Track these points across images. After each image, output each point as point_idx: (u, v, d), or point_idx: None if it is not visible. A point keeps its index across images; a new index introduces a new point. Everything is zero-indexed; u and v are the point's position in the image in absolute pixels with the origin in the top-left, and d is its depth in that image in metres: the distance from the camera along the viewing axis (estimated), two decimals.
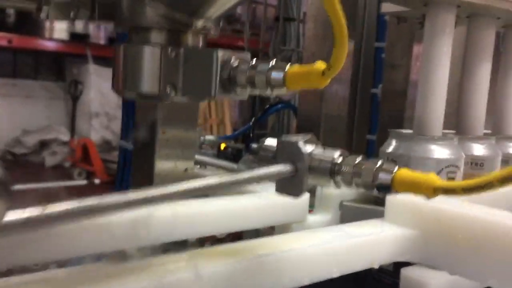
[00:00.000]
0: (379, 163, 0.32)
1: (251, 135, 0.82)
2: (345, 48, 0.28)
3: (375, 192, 0.32)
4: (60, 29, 4.31)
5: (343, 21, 0.27)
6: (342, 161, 0.33)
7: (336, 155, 0.34)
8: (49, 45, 4.29)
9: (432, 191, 0.29)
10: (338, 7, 0.26)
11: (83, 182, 3.43)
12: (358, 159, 0.33)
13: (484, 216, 0.42)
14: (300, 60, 0.84)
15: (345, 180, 0.33)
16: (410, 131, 0.63)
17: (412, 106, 0.74)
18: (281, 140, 0.35)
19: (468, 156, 0.63)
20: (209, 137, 0.84)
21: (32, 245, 0.37)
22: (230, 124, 3.70)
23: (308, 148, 0.34)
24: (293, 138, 0.35)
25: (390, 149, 0.59)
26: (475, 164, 0.64)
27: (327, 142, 0.80)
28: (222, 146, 0.77)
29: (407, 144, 0.58)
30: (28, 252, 0.38)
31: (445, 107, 0.70)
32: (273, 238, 0.42)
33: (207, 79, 0.33)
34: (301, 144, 0.34)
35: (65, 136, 4.46)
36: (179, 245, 0.54)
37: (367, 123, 0.97)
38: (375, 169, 0.32)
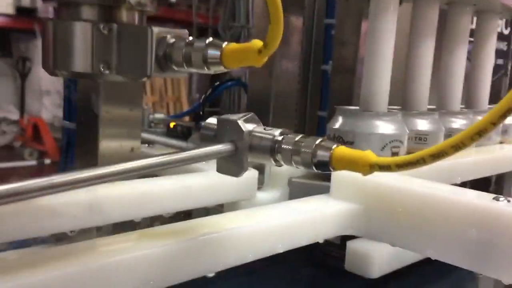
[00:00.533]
0: (318, 141, 0.32)
1: (201, 113, 0.81)
2: (280, 27, 0.27)
3: (313, 169, 0.32)
4: (5, 3, 4.10)
5: (279, 1, 0.26)
6: (282, 139, 0.33)
7: (277, 133, 0.34)
8: None
9: (368, 168, 0.30)
10: None
11: (33, 162, 3.33)
12: (298, 137, 0.33)
13: (422, 189, 0.43)
14: (250, 37, 0.83)
15: (285, 158, 0.33)
16: (356, 107, 0.64)
17: (360, 83, 0.75)
18: (221, 119, 0.34)
19: (412, 131, 0.65)
20: (158, 116, 0.82)
21: None
22: (187, 101, 3.66)
23: (249, 127, 0.34)
24: (233, 116, 0.34)
25: (336, 125, 0.60)
26: (419, 139, 0.66)
27: (277, 119, 0.80)
28: (172, 124, 0.76)
29: (353, 120, 0.59)
30: None
31: (395, 84, 0.72)
32: (219, 216, 0.42)
33: (142, 57, 0.32)
34: (240, 122, 0.33)
35: (14, 115, 4.29)
36: (128, 226, 0.53)
37: (317, 100, 0.98)
38: (313, 147, 0.32)
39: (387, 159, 0.29)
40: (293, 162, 0.33)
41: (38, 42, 4.36)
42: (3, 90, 4.50)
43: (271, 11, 0.27)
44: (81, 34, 0.33)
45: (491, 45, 0.81)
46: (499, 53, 1.16)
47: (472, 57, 0.83)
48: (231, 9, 0.82)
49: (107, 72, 0.33)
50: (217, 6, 0.93)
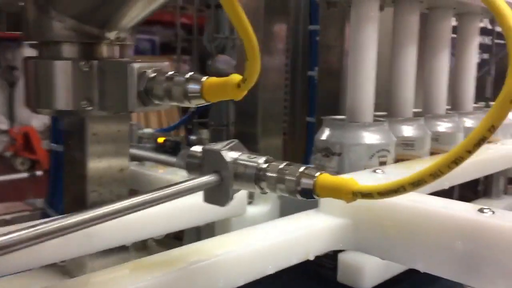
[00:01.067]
0: (302, 168, 0.33)
1: (189, 127, 0.81)
2: (257, 63, 0.28)
3: (298, 197, 0.32)
4: None
5: (254, 37, 0.27)
6: (267, 167, 0.34)
7: (261, 161, 0.34)
8: None
9: (351, 196, 0.30)
10: (248, 26, 0.26)
11: (24, 175, 3.31)
12: (282, 164, 0.33)
13: (410, 203, 0.44)
14: (234, 48, 0.83)
15: (270, 186, 0.33)
16: (343, 117, 0.64)
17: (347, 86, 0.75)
18: (206, 149, 0.35)
19: (399, 138, 0.65)
20: (147, 131, 0.82)
21: None
22: (178, 110, 3.65)
23: (233, 155, 0.34)
24: (217, 145, 0.35)
25: (323, 137, 0.60)
26: (406, 145, 0.66)
27: (266, 127, 0.81)
28: (160, 140, 0.76)
29: (340, 131, 0.59)
30: None
31: (382, 89, 0.72)
32: (209, 241, 0.42)
33: (123, 92, 0.32)
34: (224, 152, 0.34)
35: (4, 125, 4.27)
36: (120, 251, 0.54)
37: (306, 106, 0.98)
38: (297, 175, 0.32)
39: (369, 187, 0.30)
40: (277, 190, 0.33)
41: (26, 51, 4.33)
42: None
43: (247, 48, 0.27)
44: (62, 72, 0.33)
45: (474, 46, 0.82)
46: (484, 48, 1.17)
47: (456, 58, 0.84)
48: (215, 21, 0.82)
49: (89, 108, 0.33)
50: (201, 5, 0.92)
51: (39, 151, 3.74)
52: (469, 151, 0.26)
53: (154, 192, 0.31)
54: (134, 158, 0.72)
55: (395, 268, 0.54)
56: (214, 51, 0.83)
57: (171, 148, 0.74)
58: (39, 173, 3.40)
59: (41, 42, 0.34)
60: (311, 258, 0.45)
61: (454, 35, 0.83)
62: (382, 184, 0.29)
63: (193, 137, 0.78)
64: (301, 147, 0.98)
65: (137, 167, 0.70)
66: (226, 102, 0.91)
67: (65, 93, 0.33)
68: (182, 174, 0.64)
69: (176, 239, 0.69)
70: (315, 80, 0.92)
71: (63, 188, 0.60)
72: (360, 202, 0.46)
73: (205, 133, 0.81)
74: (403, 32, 0.69)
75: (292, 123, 1.03)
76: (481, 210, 0.41)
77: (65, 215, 0.26)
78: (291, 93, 0.98)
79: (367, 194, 0.29)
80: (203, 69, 0.92)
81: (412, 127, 0.67)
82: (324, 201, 0.50)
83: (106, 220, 0.28)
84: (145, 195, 0.30)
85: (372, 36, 0.62)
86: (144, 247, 0.67)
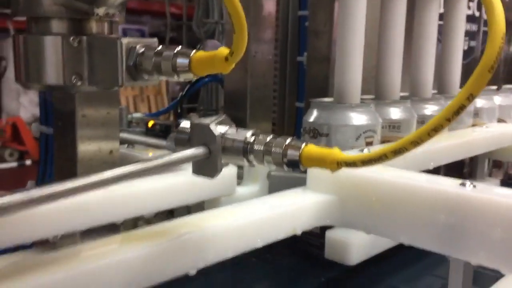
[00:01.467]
0: (288, 140, 0.33)
1: (178, 110, 0.82)
2: (244, 36, 0.28)
3: (285, 168, 0.33)
4: None
5: (240, 9, 0.27)
6: (254, 140, 0.35)
7: (249, 134, 0.35)
8: None
9: (335, 165, 0.31)
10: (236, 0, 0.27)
11: (13, 164, 3.29)
12: (269, 137, 0.34)
13: (394, 179, 0.45)
14: (224, 32, 0.83)
15: (257, 159, 0.34)
16: (330, 99, 0.65)
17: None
18: (194, 124, 0.35)
19: (386, 120, 0.66)
20: (137, 115, 0.83)
21: None
22: (166, 94, 3.64)
23: (221, 129, 0.35)
24: (206, 120, 0.36)
25: (311, 119, 0.61)
26: (393, 127, 0.68)
27: (255, 112, 0.81)
28: (150, 123, 0.76)
29: (327, 113, 0.60)
30: None
31: (369, 75, 0.73)
32: (198, 215, 0.43)
33: (113, 67, 0.33)
34: (212, 126, 0.35)
35: None
36: (112, 228, 0.54)
37: (296, 90, 0.99)
38: (283, 147, 0.33)
39: (353, 156, 0.31)
40: (265, 162, 0.34)
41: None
42: None
43: (234, 21, 0.28)
44: (52, 48, 0.33)
45: (460, 29, 0.83)
46: (471, 35, 1.18)
47: (442, 43, 0.85)
48: (204, 6, 0.82)
49: (79, 83, 0.33)
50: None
51: (27, 141, 3.72)
52: (449, 119, 0.27)
53: (144, 162, 0.32)
54: (124, 141, 0.72)
55: (381, 244, 0.56)
56: (203, 36, 0.84)
57: (161, 132, 0.75)
58: (28, 162, 3.39)
59: (31, 17, 0.34)
60: (299, 233, 0.46)
61: (441, 22, 0.84)
62: (365, 154, 0.30)
63: (182, 121, 0.79)
64: (290, 132, 0.99)
65: (127, 150, 0.71)
66: (215, 87, 0.92)
67: (55, 68, 0.33)
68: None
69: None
70: (304, 66, 0.93)
71: (54, 170, 0.61)
72: (346, 179, 0.48)
73: (194, 117, 0.81)
74: (390, 16, 0.70)
75: (282, 109, 1.04)
76: (463, 184, 0.42)
77: (56, 182, 0.27)
78: (280, 78, 0.99)
79: (351, 163, 0.30)
80: None
81: (399, 109, 0.68)
82: (311, 180, 0.51)
83: (96, 188, 0.29)
84: (135, 165, 0.31)
85: (360, 16, 0.62)
86: (134, 227, 0.68)
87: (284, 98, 1.05)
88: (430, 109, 0.74)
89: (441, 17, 0.84)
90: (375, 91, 0.73)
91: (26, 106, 4.38)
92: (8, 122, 4.02)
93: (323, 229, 0.56)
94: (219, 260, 0.40)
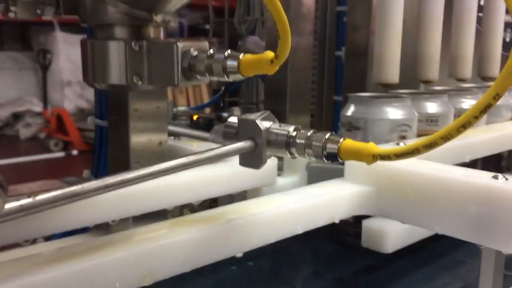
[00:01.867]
0: (327, 135, 0.36)
1: (221, 104, 0.86)
2: (288, 41, 0.31)
3: (324, 160, 0.36)
4: None
5: (285, 18, 0.30)
6: (296, 134, 0.38)
7: (291, 129, 0.38)
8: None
9: (371, 158, 0.34)
10: (280, 8, 0.30)
11: (61, 154, 3.43)
12: (310, 132, 0.37)
13: (428, 171, 0.47)
14: (264, 29, 0.86)
15: (299, 151, 0.37)
16: (367, 94, 0.68)
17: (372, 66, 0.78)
18: (241, 119, 0.39)
19: (423, 114, 0.68)
20: (182, 108, 0.87)
21: (24, 222, 0.41)
22: (205, 86, 3.71)
23: (266, 124, 0.39)
24: (252, 116, 0.39)
25: (349, 113, 0.64)
26: (430, 121, 0.69)
27: (294, 106, 0.84)
28: (195, 116, 0.80)
29: (364, 107, 0.63)
30: (20, 229, 0.42)
31: (408, 69, 0.75)
32: (244, 203, 0.46)
33: (170, 68, 0.37)
34: (258, 121, 0.38)
35: (38, 107, 4.41)
36: (159, 215, 0.59)
37: (334, 84, 1.02)
38: (323, 141, 0.36)
39: (387, 150, 0.33)
40: (306, 155, 0.37)
41: (57, 34, 4.44)
42: (26, 83, 4.60)
43: (279, 27, 0.31)
44: (116, 51, 0.37)
45: (500, 22, 0.83)
46: None
47: (482, 34, 0.85)
48: (245, 3, 0.85)
49: (139, 83, 0.37)
50: None
51: (71, 132, 3.86)
52: (476, 117, 0.29)
53: (196, 155, 0.35)
54: (170, 133, 0.77)
55: (416, 234, 0.58)
56: (244, 33, 0.87)
57: (205, 124, 0.79)
58: (74, 152, 3.52)
59: (97, 25, 0.38)
60: (337, 221, 0.49)
61: (481, 14, 0.85)
62: (399, 147, 0.33)
63: (225, 114, 0.83)
64: (328, 125, 1.01)
65: (173, 142, 0.75)
66: (256, 81, 0.95)
67: (118, 69, 0.37)
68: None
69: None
70: (342, 60, 0.95)
71: (108, 160, 0.66)
72: (382, 171, 0.50)
73: (236, 110, 0.85)
74: (429, 6, 0.71)
75: (320, 102, 1.06)
76: (495, 177, 0.44)
77: (117, 173, 0.31)
78: (318, 72, 1.01)
79: (385, 156, 0.33)
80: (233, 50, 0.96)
81: (436, 103, 0.70)
82: (349, 172, 0.54)
83: (159, 176, 0.33)
84: (190, 156, 0.35)
85: (398, 11, 0.64)
86: (180, 215, 0.73)
87: (322, 91, 1.08)
88: (467, 103, 0.75)
89: (481, 9, 0.84)
90: (414, 85, 0.74)
91: (70, 97, 4.54)
92: (53, 113, 4.18)
93: (357, 218, 0.59)
94: (263, 244, 0.43)
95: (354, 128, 0.62)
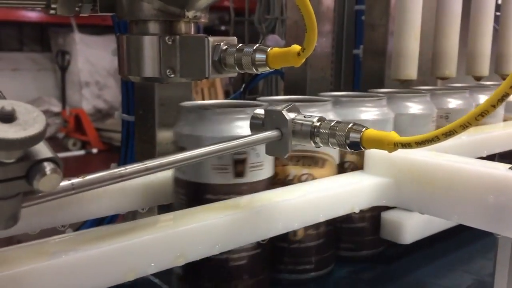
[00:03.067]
0: (350, 125, 0.38)
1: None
2: (315, 34, 0.33)
3: (347, 149, 0.38)
4: None
5: (312, 11, 0.32)
6: (320, 124, 0.40)
7: (315, 119, 0.40)
8: (32, 16, 4.23)
9: (392, 146, 0.36)
10: (308, 3, 0.32)
11: (81, 152, 3.49)
12: (333, 122, 0.39)
13: (446, 163, 0.49)
14: (283, 28, 0.88)
15: (323, 141, 0.39)
16: (387, 90, 0.69)
17: (390, 64, 0.80)
18: (268, 110, 0.41)
19: (442, 109, 0.69)
20: None
21: (62, 207, 0.44)
22: (221, 86, 3.74)
23: (291, 115, 0.41)
24: (278, 107, 0.41)
25: None
26: (447, 117, 0.70)
27: None
28: None
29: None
30: (57, 214, 0.44)
31: (426, 67, 0.76)
32: (266, 192, 0.48)
33: (201, 62, 0.39)
34: (284, 112, 0.40)
35: (56, 107, 4.49)
36: None
37: (352, 82, 1.03)
38: (346, 130, 0.38)
39: (408, 138, 0.35)
40: (329, 144, 0.39)
41: (76, 36, 4.51)
42: (45, 83, 4.68)
43: (306, 21, 0.33)
44: (150, 46, 0.40)
45: None
46: None
47: (499, 31, 0.86)
48: (265, 2, 0.87)
49: (172, 76, 0.40)
50: None
51: (89, 132, 3.93)
52: (493, 106, 0.31)
53: (225, 143, 0.37)
54: None
55: (434, 226, 0.59)
56: (264, 31, 0.89)
57: None
58: (94, 150, 3.58)
59: (132, 21, 0.41)
60: (357, 211, 0.51)
61: (498, 13, 0.86)
62: (419, 136, 0.35)
63: None
64: None
65: None
66: (275, 78, 0.97)
67: (152, 63, 0.40)
68: None
69: None
70: (359, 58, 0.96)
71: (136, 154, 0.68)
72: (401, 162, 0.52)
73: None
74: (447, 4, 0.72)
75: None
76: (511, 168, 0.46)
77: (141, 162, 0.33)
78: (336, 70, 1.03)
79: (406, 144, 0.35)
80: None
81: (456, 99, 0.71)
82: (368, 163, 0.55)
83: (188, 163, 0.35)
84: (217, 145, 0.37)
85: (416, 10, 0.66)
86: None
87: (339, 89, 1.10)
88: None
89: (498, 9, 0.85)
90: (433, 81, 0.76)
91: (87, 98, 4.61)
92: (71, 113, 4.25)
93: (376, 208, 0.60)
94: (286, 231, 0.45)
95: None
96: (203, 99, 3.89)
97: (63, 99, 4.63)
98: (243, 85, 0.88)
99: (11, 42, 4.70)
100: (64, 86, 4.68)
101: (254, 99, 1.01)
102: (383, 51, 0.92)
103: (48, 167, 0.24)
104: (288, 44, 0.88)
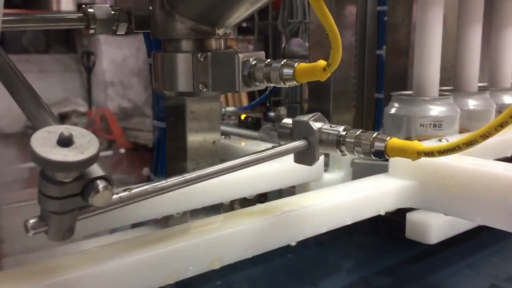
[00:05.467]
0: (375, 134, 0.40)
1: (267, 104, 0.90)
2: (339, 51, 0.35)
3: (372, 157, 0.40)
4: (66, 0, 4.35)
5: (336, 31, 0.34)
6: (346, 134, 0.42)
7: (341, 129, 0.42)
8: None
9: (416, 155, 0.37)
10: (331, 20, 0.34)
11: (109, 152, 3.56)
12: (358, 131, 0.41)
13: (470, 166, 0.50)
14: (307, 31, 0.90)
15: (349, 149, 0.41)
16: (409, 92, 0.70)
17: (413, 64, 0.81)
18: (295, 120, 0.43)
19: (464, 110, 0.70)
20: (230, 109, 0.92)
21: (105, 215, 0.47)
22: (246, 92, 3.75)
23: (318, 125, 0.43)
24: (304, 117, 0.43)
25: (392, 111, 0.67)
26: (470, 117, 0.71)
27: (337, 104, 0.88)
28: (243, 116, 0.85)
29: (407, 106, 0.65)
30: (100, 222, 0.47)
31: (449, 64, 0.77)
32: (296, 197, 0.51)
33: (231, 76, 0.41)
34: (311, 122, 0.42)
35: (83, 108, 4.57)
36: (213, 209, 0.64)
37: (374, 82, 1.04)
38: (371, 139, 0.40)
39: (431, 147, 0.37)
40: (355, 152, 0.41)
41: (100, 36, 4.59)
42: (71, 84, 4.78)
43: (331, 39, 0.35)
44: (183, 62, 0.42)
45: None
46: None
47: None
48: (289, 6, 0.89)
49: (204, 90, 0.42)
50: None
51: (115, 131, 4.00)
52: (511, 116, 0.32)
53: (256, 154, 0.40)
54: (221, 133, 0.82)
55: (458, 226, 0.61)
56: (288, 35, 0.91)
57: (253, 124, 0.83)
58: (122, 150, 3.65)
59: (165, 39, 0.43)
60: (382, 213, 0.53)
61: None
62: (441, 144, 0.36)
63: (271, 114, 0.87)
64: (370, 122, 1.04)
65: (223, 140, 0.80)
66: None
67: (185, 78, 0.42)
68: (264, 146, 0.73)
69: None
70: (382, 59, 0.97)
71: (167, 158, 0.71)
72: (426, 166, 0.53)
73: (282, 110, 0.89)
74: (469, 7, 0.73)
75: (360, 99, 1.09)
76: None
77: (185, 174, 0.35)
78: (359, 71, 1.04)
79: (429, 153, 0.37)
80: (267, 49, 1.00)
81: (477, 100, 0.72)
82: (393, 167, 0.57)
83: (223, 174, 0.37)
84: (250, 156, 0.39)
85: (438, 13, 0.67)
86: (231, 209, 0.78)
87: (362, 89, 1.11)
88: (510, 99, 0.76)
89: None
90: (454, 81, 0.76)
91: (113, 97, 4.69)
92: (97, 113, 4.33)
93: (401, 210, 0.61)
94: (314, 234, 0.47)
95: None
96: (227, 102, 3.92)
97: (89, 99, 4.72)
98: (268, 90, 0.90)
99: (38, 44, 4.81)
100: (90, 86, 4.77)
101: (279, 101, 1.03)
102: (406, 50, 0.93)
103: (101, 184, 0.27)
104: (311, 48, 0.90)
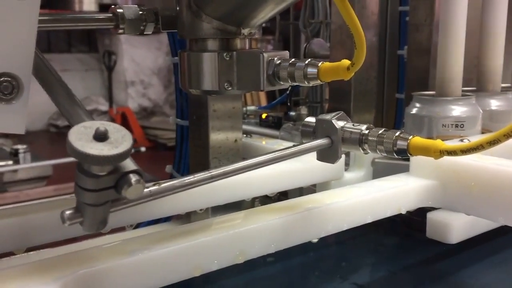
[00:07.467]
0: (397, 133, 0.41)
1: (288, 103, 0.91)
2: (364, 51, 0.36)
3: (394, 156, 0.41)
4: (89, 1, 4.42)
5: (361, 31, 0.35)
6: (368, 132, 0.42)
7: (364, 127, 0.43)
8: None
9: (439, 154, 0.38)
10: (356, 19, 0.35)
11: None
12: (381, 130, 0.42)
13: (491, 166, 0.50)
14: (328, 31, 0.90)
15: (371, 148, 0.42)
16: (431, 92, 0.71)
17: (435, 64, 0.81)
18: (318, 119, 0.44)
19: (487, 111, 0.70)
20: (251, 108, 0.93)
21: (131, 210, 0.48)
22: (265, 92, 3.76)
23: (340, 124, 0.43)
24: (327, 116, 0.44)
25: (414, 111, 0.67)
26: (492, 118, 0.71)
27: (358, 104, 0.88)
28: (264, 115, 0.86)
29: (429, 106, 0.66)
30: (126, 216, 0.49)
31: (471, 64, 0.76)
32: (317, 194, 0.51)
33: (256, 75, 0.42)
34: (334, 121, 0.43)
35: (104, 106, 4.64)
36: (234, 206, 0.64)
37: (395, 83, 1.04)
38: (394, 138, 0.40)
39: (454, 146, 0.37)
40: (377, 150, 0.42)
41: (121, 36, 4.65)
42: (92, 83, 4.86)
43: (356, 39, 0.36)
44: (209, 62, 0.43)
45: None
46: None
47: None
48: (310, 7, 0.90)
49: (230, 88, 0.43)
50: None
51: (135, 130, 4.05)
52: None
53: (280, 151, 0.40)
54: (243, 132, 0.83)
55: (480, 226, 0.61)
56: (309, 35, 0.91)
57: (273, 123, 0.84)
58: (143, 149, 3.70)
59: (192, 39, 0.45)
60: (403, 212, 0.53)
61: None
62: (464, 144, 0.37)
63: (292, 113, 0.88)
64: (391, 121, 1.04)
65: (245, 139, 0.81)
66: None
67: (211, 77, 0.43)
68: (285, 144, 0.74)
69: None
70: (404, 59, 0.97)
71: (190, 156, 0.73)
72: (447, 165, 0.54)
73: (303, 109, 0.90)
74: (492, 7, 0.73)
75: (381, 99, 1.09)
76: None
77: (207, 171, 0.36)
78: (379, 71, 1.04)
79: (452, 152, 0.37)
80: (287, 49, 1.01)
81: (500, 101, 0.72)
82: (414, 166, 0.57)
83: (248, 170, 0.38)
84: (274, 153, 0.40)
85: (461, 13, 0.67)
86: (252, 206, 0.79)
87: (383, 89, 1.11)
88: None
89: None
90: (476, 81, 0.76)
91: (133, 96, 4.75)
92: (118, 112, 4.39)
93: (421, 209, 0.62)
94: (336, 231, 0.48)
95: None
96: (245, 101, 3.93)
97: (110, 98, 4.78)
98: (289, 89, 0.90)
99: (60, 44, 4.90)
100: (110, 85, 4.83)
101: (299, 101, 1.03)
102: (427, 51, 0.93)
103: (133, 178, 0.28)
104: (332, 48, 0.90)
